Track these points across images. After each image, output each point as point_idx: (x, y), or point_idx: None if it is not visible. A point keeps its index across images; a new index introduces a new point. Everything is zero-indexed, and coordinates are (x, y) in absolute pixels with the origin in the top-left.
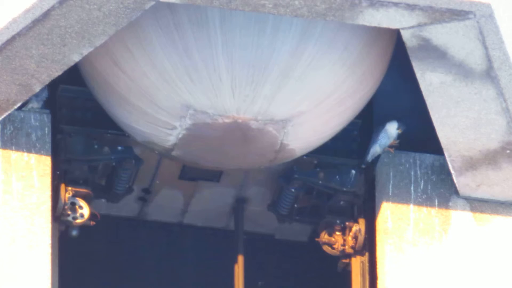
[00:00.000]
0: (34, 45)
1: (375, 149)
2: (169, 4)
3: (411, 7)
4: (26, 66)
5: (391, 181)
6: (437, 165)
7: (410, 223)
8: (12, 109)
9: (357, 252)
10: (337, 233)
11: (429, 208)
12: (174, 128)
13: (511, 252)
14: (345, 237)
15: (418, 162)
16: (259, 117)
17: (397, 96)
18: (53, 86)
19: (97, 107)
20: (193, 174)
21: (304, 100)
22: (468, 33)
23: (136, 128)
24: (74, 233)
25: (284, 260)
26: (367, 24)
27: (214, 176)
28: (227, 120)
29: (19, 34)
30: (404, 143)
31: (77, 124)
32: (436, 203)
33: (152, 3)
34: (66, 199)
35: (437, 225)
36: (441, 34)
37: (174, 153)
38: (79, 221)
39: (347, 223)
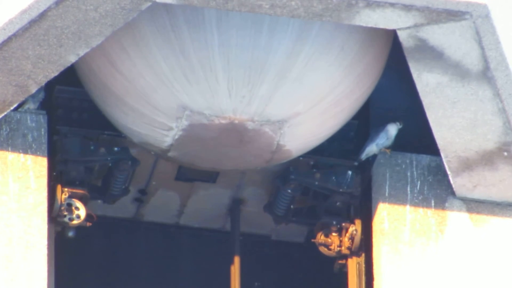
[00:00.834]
0: (31, 46)
1: (372, 148)
2: (166, 5)
3: (407, 8)
4: (22, 67)
5: (388, 182)
6: (433, 165)
7: (407, 224)
8: (9, 110)
9: (354, 253)
10: (334, 234)
11: (425, 209)
12: (171, 129)
13: (508, 253)
14: (341, 238)
15: (414, 162)
16: (256, 118)
17: (394, 97)
18: (49, 87)
19: (93, 108)
20: (190, 175)
21: (301, 101)
22: (464, 33)
23: (133, 129)
24: (71, 234)
25: (280, 261)
26: (364, 24)
27: (210, 177)
28: (223, 121)
29: (15, 35)
30: (400, 144)
31: (73, 125)
32: (433, 204)
33: (149, 4)
34: (63, 200)
35: (434, 226)
36: (438, 35)
37: (170, 154)
38: (75, 222)
39: (343, 224)
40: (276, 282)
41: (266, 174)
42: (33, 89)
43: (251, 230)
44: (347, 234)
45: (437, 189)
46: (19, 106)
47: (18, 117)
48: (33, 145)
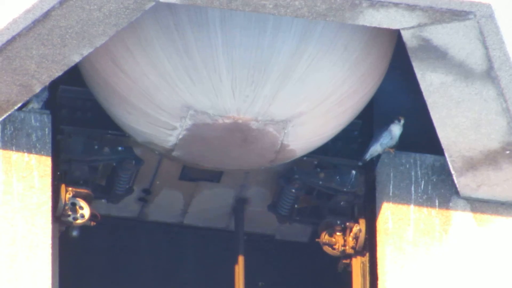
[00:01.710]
0: (35, 45)
1: (376, 147)
2: (169, 5)
3: (411, 8)
4: (26, 67)
5: (392, 182)
6: (437, 165)
7: (411, 224)
8: (13, 110)
9: (358, 252)
10: (338, 233)
11: (429, 209)
12: (175, 128)
13: None
14: (345, 238)
15: (418, 162)
16: (259, 118)
17: (398, 97)
18: (53, 86)
19: (97, 108)
20: (194, 174)
21: (304, 100)
22: (468, 33)
23: (136, 129)
24: (75, 233)
25: (284, 261)
26: (368, 24)
27: (214, 176)
28: (227, 121)
29: (19, 34)
30: (404, 144)
31: (77, 124)
32: (437, 204)
33: (152, 3)
34: (67, 199)
35: (438, 225)
36: (442, 35)
37: (174, 153)
38: (79, 221)
39: (347, 224)
40: (280, 281)
41: (270, 174)
42: (37, 89)
43: (255, 230)
44: (351, 234)
45: (441, 188)
46: (23, 105)
47: (22, 117)
48: (37, 144)
